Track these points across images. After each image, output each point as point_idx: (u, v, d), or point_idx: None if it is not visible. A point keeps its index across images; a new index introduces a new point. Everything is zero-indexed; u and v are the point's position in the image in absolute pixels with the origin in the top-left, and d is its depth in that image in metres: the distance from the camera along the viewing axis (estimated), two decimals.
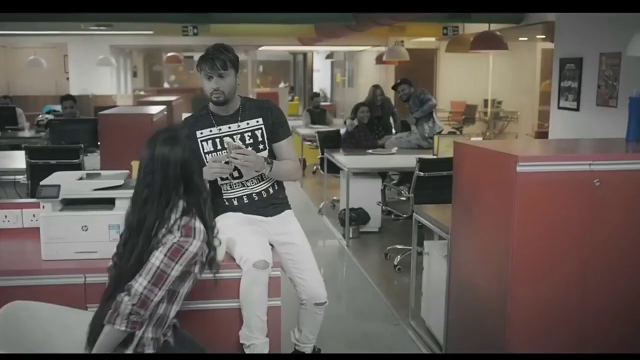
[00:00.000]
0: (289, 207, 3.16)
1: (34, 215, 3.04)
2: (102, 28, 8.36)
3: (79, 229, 2.67)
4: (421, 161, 5.04)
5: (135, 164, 4.21)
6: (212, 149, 2.95)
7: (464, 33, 8.72)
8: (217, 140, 2.95)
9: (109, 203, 2.73)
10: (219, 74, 2.82)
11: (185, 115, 12.07)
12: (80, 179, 2.85)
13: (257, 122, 2.97)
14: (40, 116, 8.95)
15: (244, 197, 3.02)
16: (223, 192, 3.03)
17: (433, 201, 4.33)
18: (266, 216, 3.04)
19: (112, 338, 2.14)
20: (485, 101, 14.11)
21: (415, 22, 8.79)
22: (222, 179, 2.97)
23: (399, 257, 5.34)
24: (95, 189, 2.71)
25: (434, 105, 7.12)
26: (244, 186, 3.01)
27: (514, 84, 13.21)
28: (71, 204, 2.74)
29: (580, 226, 2.70)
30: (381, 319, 4.28)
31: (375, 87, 8.37)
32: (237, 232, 2.83)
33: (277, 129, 2.99)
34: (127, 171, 2.97)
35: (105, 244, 2.67)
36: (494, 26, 8.11)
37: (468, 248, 3.21)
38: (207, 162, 2.89)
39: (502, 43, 6.84)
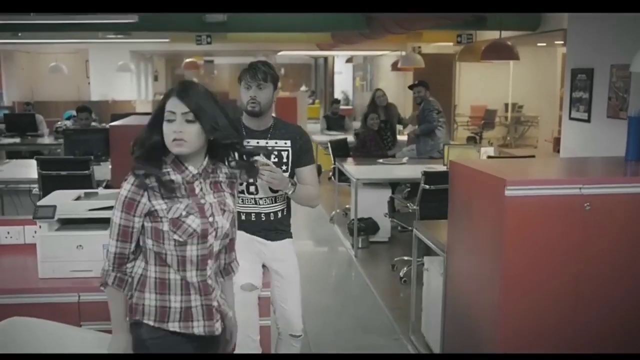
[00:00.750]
0: (290, 236, 3.16)
1: (35, 232, 3.11)
2: (119, 36, 8.49)
3: (74, 249, 2.73)
4: (427, 174, 5.04)
5: None
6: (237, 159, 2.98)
7: (476, 40, 8.67)
8: None
9: (105, 222, 2.78)
10: (258, 84, 2.90)
11: None
12: (78, 198, 2.92)
13: (285, 143, 3.01)
14: (59, 123, 9.11)
15: (252, 214, 3.02)
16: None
17: (439, 214, 4.30)
18: (267, 239, 3.05)
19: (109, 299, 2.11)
20: (506, 105, 14.01)
21: (428, 30, 8.76)
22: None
23: (405, 268, 5.34)
24: (90, 209, 2.77)
25: (432, 128, 7.02)
26: (256, 204, 3.01)
27: (535, 89, 13.08)
28: (68, 223, 2.81)
29: (569, 249, 2.70)
30: (382, 333, 4.30)
31: (377, 89, 8.35)
32: None
33: (303, 155, 3.03)
34: None
35: (99, 263, 2.69)
36: (510, 33, 8.04)
37: (462, 266, 3.23)
38: None
39: (512, 53, 6.77)
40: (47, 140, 8.81)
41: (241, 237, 3.00)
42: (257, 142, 2.99)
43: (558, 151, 7.97)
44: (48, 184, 5.20)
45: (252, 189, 2.98)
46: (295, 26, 7.99)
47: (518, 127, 14.10)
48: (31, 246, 3.09)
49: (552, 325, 2.75)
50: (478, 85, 13.43)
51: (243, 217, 3.02)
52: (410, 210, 5.42)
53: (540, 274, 2.71)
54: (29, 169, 6.09)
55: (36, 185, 5.53)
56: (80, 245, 2.73)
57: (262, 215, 3.02)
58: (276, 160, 2.98)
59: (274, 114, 3.10)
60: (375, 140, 7.35)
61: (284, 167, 2.99)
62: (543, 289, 2.72)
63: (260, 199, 3.00)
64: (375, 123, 7.40)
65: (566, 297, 2.73)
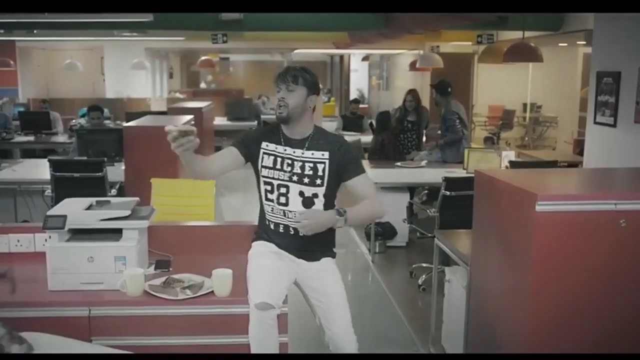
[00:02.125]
0: (330, 255, 2.95)
1: (46, 240, 3.02)
2: (134, 34, 8.41)
3: (85, 260, 2.64)
4: (448, 180, 4.89)
5: (154, 182, 4.21)
6: (270, 165, 2.85)
7: (497, 40, 8.50)
8: (279, 159, 2.83)
9: (116, 233, 2.70)
10: (287, 86, 2.77)
11: (218, 119, 12.02)
12: (90, 206, 2.81)
13: (323, 155, 2.82)
14: (73, 121, 9.06)
15: (281, 225, 2.86)
16: (266, 212, 2.90)
17: (460, 221, 4.11)
18: (300, 259, 2.88)
19: None
20: (525, 105, 13.81)
21: (449, 30, 8.60)
22: (267, 199, 2.85)
23: (424, 276, 5.20)
24: (101, 219, 2.67)
25: (457, 139, 6.73)
26: (284, 216, 2.84)
27: (554, 89, 12.89)
28: (79, 233, 2.72)
29: (603, 267, 2.56)
30: (400, 344, 4.17)
31: (408, 91, 8.13)
32: (257, 265, 2.77)
33: (347, 166, 2.81)
34: (137, 199, 2.93)
35: (111, 276, 2.65)
36: (531, 34, 7.86)
37: (487, 279, 3.09)
38: (260, 174, 2.85)
39: (536, 54, 6.56)
40: (60, 138, 8.76)
41: (270, 251, 2.84)
42: (294, 151, 2.83)
43: (578, 153, 7.80)
44: (60, 186, 5.13)
45: (282, 199, 2.82)
46: (313, 25, 7.88)
47: (536, 127, 13.90)
48: (41, 254, 2.99)
49: (582, 345, 2.61)
50: (496, 85, 13.25)
51: (272, 227, 2.88)
52: (430, 215, 5.28)
53: (572, 292, 2.57)
54: (43, 169, 6.00)
55: (50, 186, 5.46)
56: (91, 257, 2.65)
57: (291, 229, 2.84)
58: (311, 172, 2.80)
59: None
60: (394, 144, 7.16)
61: (318, 181, 2.80)
62: (574, 307, 2.58)
63: (290, 212, 2.82)
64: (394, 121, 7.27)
65: (599, 316, 2.59)
